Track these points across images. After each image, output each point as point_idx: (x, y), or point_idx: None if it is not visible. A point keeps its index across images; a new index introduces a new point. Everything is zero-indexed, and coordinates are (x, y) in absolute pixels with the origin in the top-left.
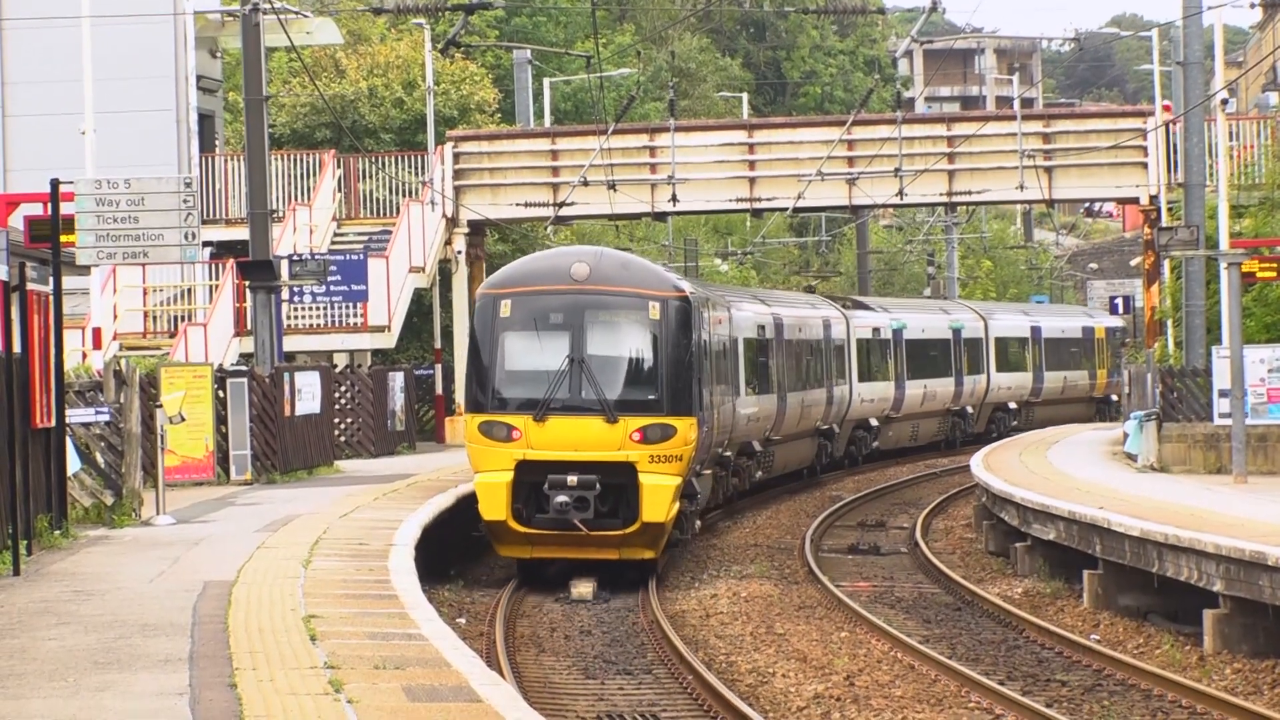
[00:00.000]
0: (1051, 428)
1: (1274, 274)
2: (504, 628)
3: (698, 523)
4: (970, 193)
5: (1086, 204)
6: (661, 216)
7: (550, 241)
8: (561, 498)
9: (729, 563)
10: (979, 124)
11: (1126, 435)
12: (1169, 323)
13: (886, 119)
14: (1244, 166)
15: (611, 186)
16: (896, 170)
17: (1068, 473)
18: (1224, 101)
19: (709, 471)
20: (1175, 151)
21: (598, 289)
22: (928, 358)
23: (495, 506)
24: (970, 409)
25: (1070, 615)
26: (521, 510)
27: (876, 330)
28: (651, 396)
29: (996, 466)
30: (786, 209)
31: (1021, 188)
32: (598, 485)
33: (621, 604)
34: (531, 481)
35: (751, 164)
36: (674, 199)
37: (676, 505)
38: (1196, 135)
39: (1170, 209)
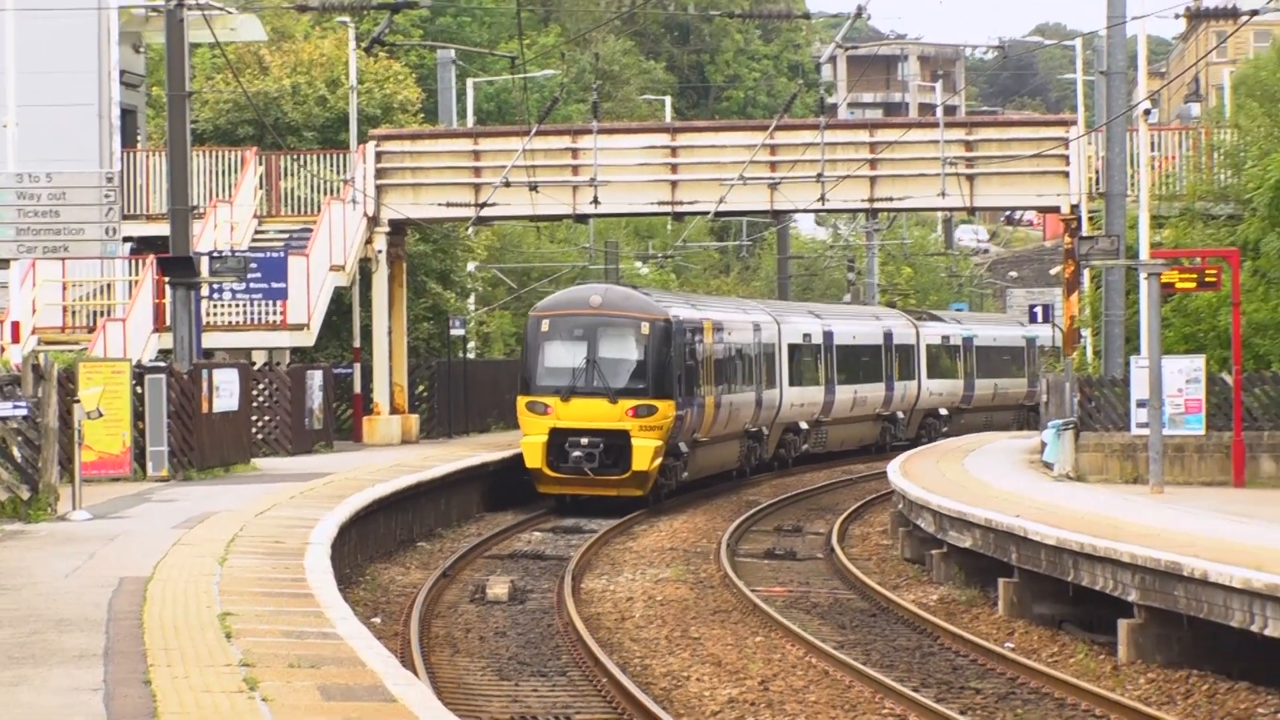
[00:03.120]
0: (970, 435)
1: (1193, 285)
2: (419, 628)
3: (684, 474)
4: (892, 199)
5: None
6: (583, 218)
7: (471, 241)
8: (577, 453)
9: (645, 566)
10: (902, 130)
11: (1044, 444)
12: (1088, 332)
13: (809, 124)
14: (1165, 177)
15: (534, 188)
16: (819, 176)
17: (985, 480)
18: (1146, 112)
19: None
20: (1098, 161)
21: (607, 313)
22: (859, 363)
23: (535, 458)
24: (901, 414)
25: (985, 623)
26: (553, 461)
27: (807, 336)
28: (641, 385)
29: (914, 474)
30: (708, 213)
31: (943, 194)
32: (601, 445)
33: (537, 605)
34: (559, 442)
35: (674, 167)
36: (596, 201)
37: (659, 460)
38: (1119, 145)
39: (1091, 218)
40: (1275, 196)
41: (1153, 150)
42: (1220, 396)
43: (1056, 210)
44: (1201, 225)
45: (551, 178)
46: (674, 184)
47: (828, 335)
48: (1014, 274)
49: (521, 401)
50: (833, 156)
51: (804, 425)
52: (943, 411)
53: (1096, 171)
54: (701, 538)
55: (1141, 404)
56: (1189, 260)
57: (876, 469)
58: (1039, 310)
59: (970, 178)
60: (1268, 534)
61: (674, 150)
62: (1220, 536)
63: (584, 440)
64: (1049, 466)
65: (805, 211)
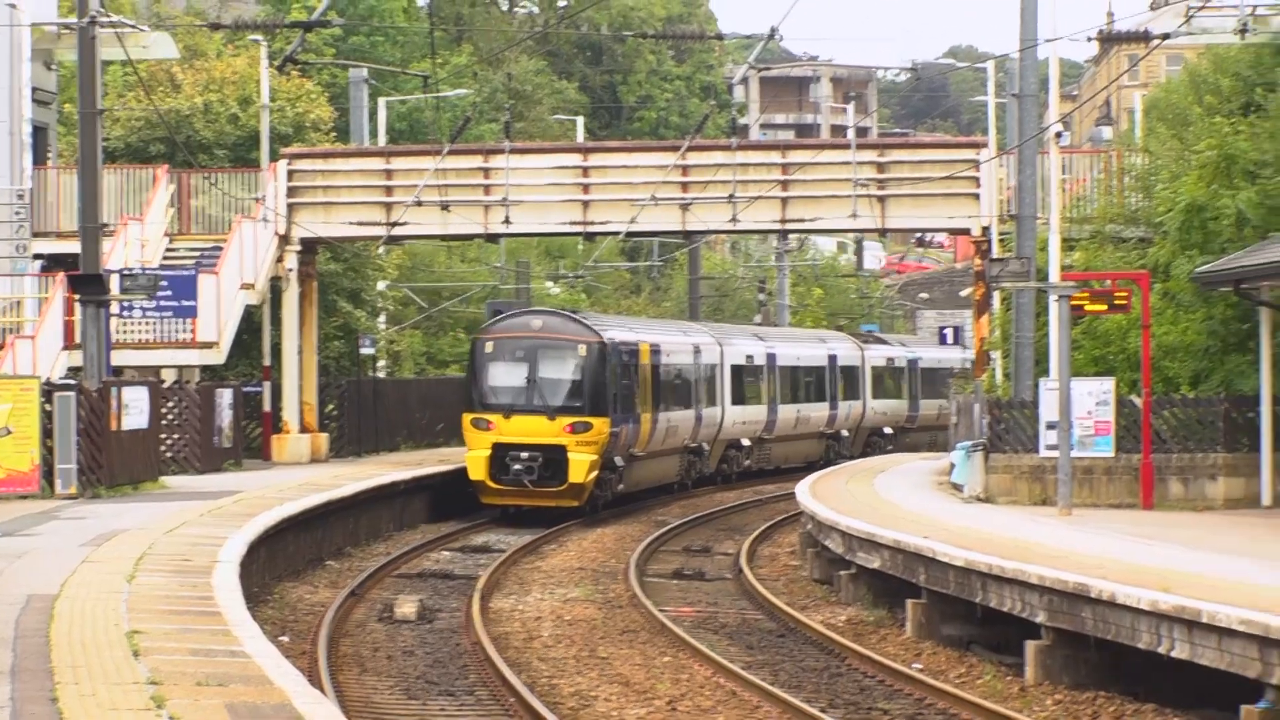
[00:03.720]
0: (878, 456)
1: (1103, 307)
2: (327, 647)
3: (620, 486)
4: (804, 220)
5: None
6: (494, 238)
7: (382, 260)
8: (517, 466)
9: (553, 586)
10: (814, 152)
11: (953, 465)
12: (998, 354)
13: (721, 145)
14: (1076, 200)
15: (445, 207)
16: (730, 196)
17: (894, 501)
18: (1058, 135)
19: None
20: (1009, 183)
21: (547, 336)
22: (803, 384)
23: (479, 471)
24: (846, 432)
25: (893, 644)
26: (495, 474)
27: (750, 357)
28: (578, 403)
29: (823, 494)
30: (619, 233)
31: (855, 215)
32: (540, 459)
33: (445, 624)
34: (501, 456)
35: (586, 187)
36: (507, 220)
37: (595, 473)
38: (1030, 168)
39: (1002, 240)
40: (1185, 220)
41: (1064, 173)
42: (1129, 419)
43: (967, 232)
44: (1112, 248)
45: (463, 197)
46: (585, 204)
47: (771, 357)
48: (924, 295)
49: (467, 418)
50: (744, 177)
51: (746, 442)
52: (887, 430)
53: (1008, 194)
54: (610, 558)
55: (1051, 426)
56: (1099, 283)
57: (786, 489)
58: (949, 332)
59: (882, 199)
60: (1175, 556)
61: (586, 170)
62: (1128, 558)
63: (524, 454)
64: (958, 488)
65: (717, 233)
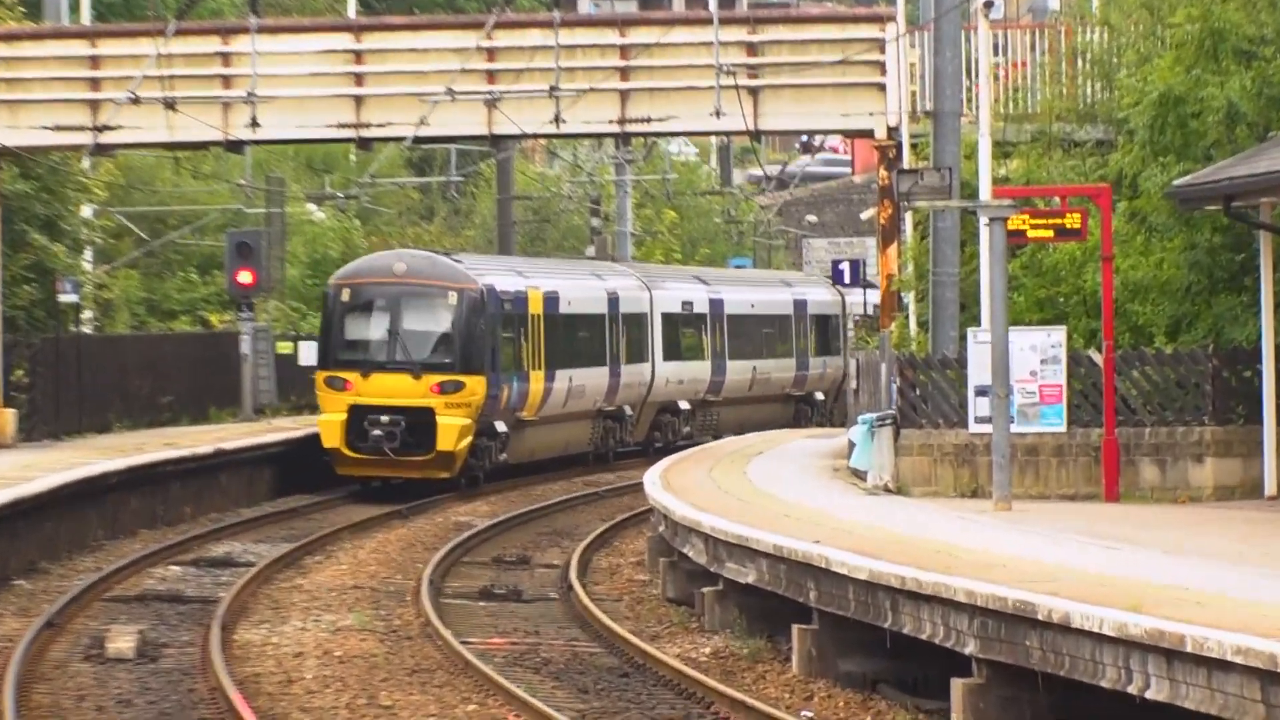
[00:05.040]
0: (754, 434)
1: (1050, 234)
2: (15, 696)
3: (501, 456)
4: (650, 120)
5: (804, 137)
6: (238, 146)
7: (87, 177)
8: (377, 431)
9: (320, 610)
10: (663, 29)
11: (852, 445)
12: (910, 296)
13: (540, 21)
14: (1013, 91)
15: (171, 105)
16: (552, 89)
17: (773, 494)
18: (988, 4)
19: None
20: (923, 70)
21: (411, 281)
22: (760, 337)
23: (333, 437)
24: (821, 394)
25: (775, 684)
26: (352, 441)
27: (688, 304)
28: (448, 360)
29: (679, 486)
30: (404, 139)
31: (718, 114)
32: (404, 423)
33: (174, 664)
34: (359, 420)
35: (359, 78)
36: (254, 123)
37: (468, 440)
38: (950, 49)
39: (915, 145)
40: (1158, 116)
41: (996, 55)
42: (1087, 381)
43: (869, 134)
44: (1061, 154)
45: (196, 92)
46: (359, 100)
47: (715, 304)
48: (812, 219)
49: (319, 377)
50: (571, 63)
51: (685, 405)
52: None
53: (921, 83)
54: (396, 571)
55: (982, 392)
56: (1045, 201)
57: (633, 479)
58: (844, 268)
59: (754, 92)
60: (1149, 564)
61: (359, 56)
62: (1087, 567)
63: (385, 418)
64: (860, 475)
65: (535, 137)
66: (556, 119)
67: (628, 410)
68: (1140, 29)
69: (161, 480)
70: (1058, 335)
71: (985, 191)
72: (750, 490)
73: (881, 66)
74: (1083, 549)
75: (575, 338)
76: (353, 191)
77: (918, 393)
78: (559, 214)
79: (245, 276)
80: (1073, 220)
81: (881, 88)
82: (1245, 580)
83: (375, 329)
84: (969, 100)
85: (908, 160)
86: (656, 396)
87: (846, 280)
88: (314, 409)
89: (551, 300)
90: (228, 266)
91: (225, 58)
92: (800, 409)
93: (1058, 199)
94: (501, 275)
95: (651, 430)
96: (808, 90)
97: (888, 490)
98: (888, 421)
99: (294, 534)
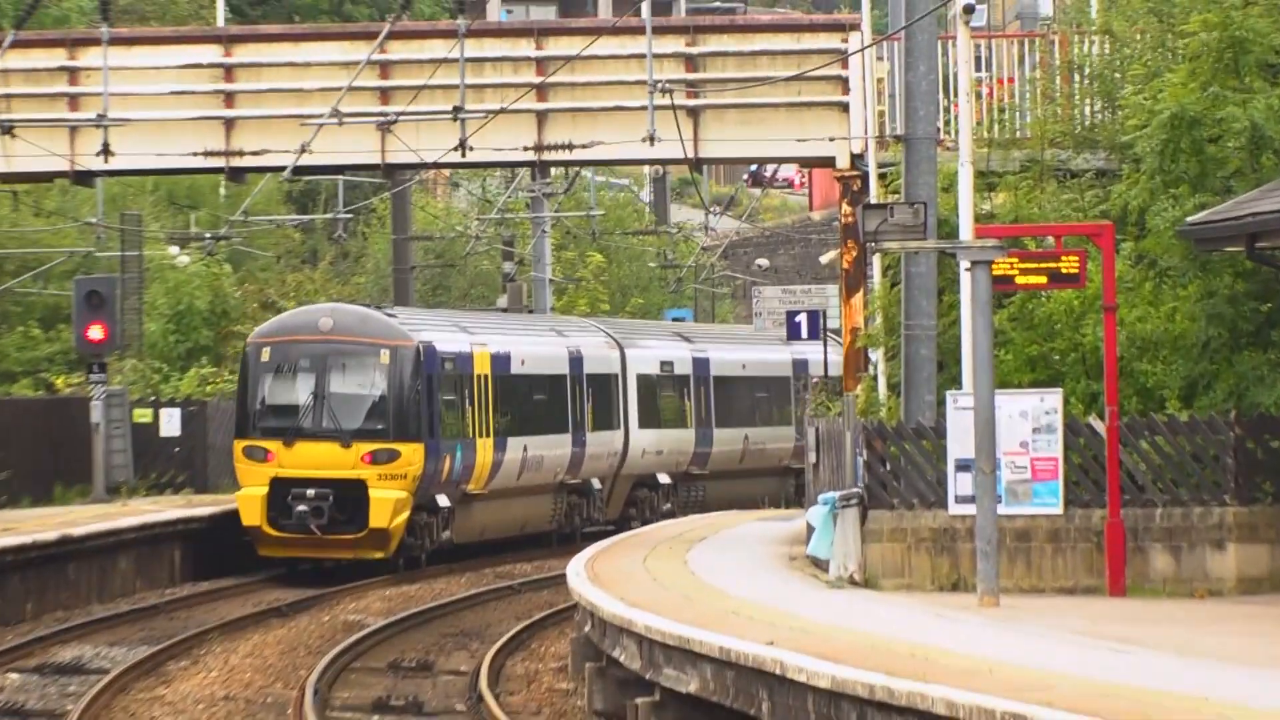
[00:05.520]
0: (696, 515)
1: (1044, 280)
2: None
3: (444, 534)
4: (572, 146)
5: (753, 167)
6: (87, 178)
7: None
8: (302, 507)
9: None
10: (586, 40)
11: (811, 529)
12: (878, 354)
13: (442, 30)
14: (999, 112)
15: (7, 130)
16: (457, 110)
17: (719, 587)
18: (969, 9)
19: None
20: (893, 86)
21: (339, 339)
22: (753, 401)
23: (252, 515)
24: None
25: None
26: (274, 518)
27: (668, 365)
28: (380, 426)
29: (608, 577)
30: (283, 169)
31: (652, 140)
32: (331, 497)
33: None
34: (282, 494)
35: (229, 98)
36: (107, 151)
37: (404, 515)
38: (925, 62)
39: (884, 176)
40: (1170, 141)
41: (979, 70)
42: (1088, 454)
43: (830, 164)
44: (1056, 186)
45: (37, 114)
46: (229, 124)
47: (700, 364)
48: (763, 262)
49: (238, 447)
50: (479, 80)
51: (665, 479)
52: None
53: (890, 103)
54: (274, 679)
55: (964, 466)
56: (1036, 241)
57: (555, 570)
58: (801, 320)
59: (694, 114)
60: (1161, 670)
61: (229, 71)
62: (1087, 674)
63: (311, 492)
64: (820, 565)
65: (437, 167)
66: (462, 146)
67: (596, 484)
68: (1148, 39)
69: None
70: (1052, 400)
71: (966, 230)
72: (692, 583)
73: (844, 83)
74: (1083, 652)
75: (530, 401)
76: (223, 231)
77: (888, 467)
78: (465, 257)
79: (96, 331)
80: (1069, 264)
81: (844, 108)
82: (1274, 689)
83: (299, 392)
84: (947, 123)
85: (875, 194)
86: (631, 469)
87: (804, 335)
88: (176, 488)
89: (501, 360)
90: (76, 320)
91: (72, 74)
92: (801, 483)
93: (1051, 239)
94: (442, 331)
95: (627, 507)
96: (757, 111)
97: (853, 583)
98: (853, 501)
99: (155, 635)
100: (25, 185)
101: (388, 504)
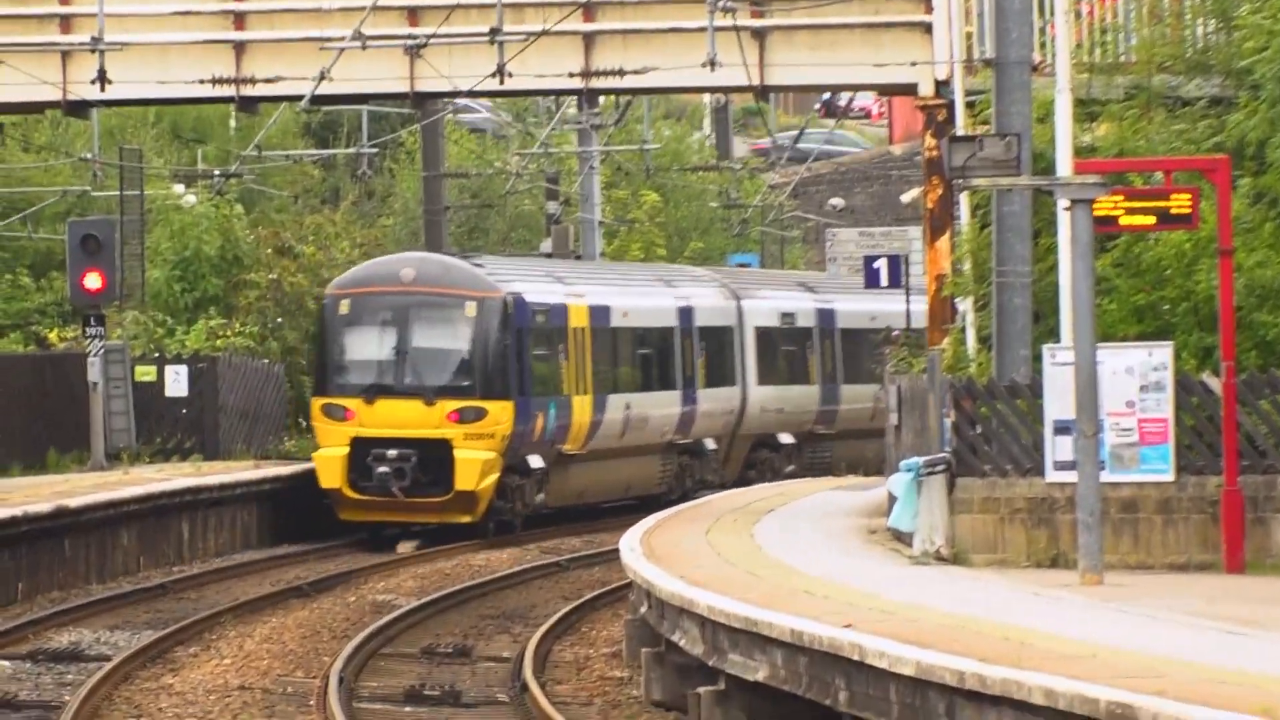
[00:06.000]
0: (764, 485)
1: (1152, 220)
2: None
3: (539, 497)
4: (623, 72)
5: (825, 96)
6: (81, 108)
7: None
8: (383, 468)
9: None
10: None
11: (893, 499)
12: (967, 304)
13: None
14: (1100, 34)
15: None
16: (494, 32)
17: (790, 564)
18: None
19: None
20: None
21: (422, 290)
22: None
23: (332, 476)
24: None
25: None
26: (355, 479)
27: (789, 317)
28: (466, 382)
29: (666, 553)
30: (300, 99)
31: (713, 65)
32: (415, 458)
33: None
34: (363, 455)
35: (239, 19)
36: (103, 78)
37: (493, 477)
38: None
39: (972, 105)
40: None
41: None
42: (1201, 415)
43: (911, 91)
44: (1165, 116)
45: (25, 38)
46: (240, 48)
47: (825, 315)
48: (837, 202)
49: (316, 404)
50: None
51: (787, 439)
52: None
53: (979, 22)
54: (295, 667)
55: (1063, 429)
56: (1143, 177)
57: (609, 546)
58: (880, 266)
59: (760, 35)
60: None
61: None
62: (1201, 659)
63: (392, 452)
64: (903, 538)
65: (472, 95)
66: (500, 72)
67: (709, 444)
68: None
69: None
70: (1162, 354)
71: (1065, 165)
72: (759, 559)
73: (927, 0)
74: (1197, 635)
75: (634, 356)
76: (233, 169)
77: (978, 430)
78: (505, 196)
79: (93, 280)
80: (1180, 203)
81: (927, 28)
82: None
83: (380, 348)
84: (1042, 45)
85: (962, 125)
86: (749, 428)
87: (884, 282)
88: (184, 454)
89: (600, 312)
90: (70, 267)
91: None
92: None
93: (1160, 175)
94: (533, 281)
95: (745, 469)
96: (830, 32)
97: (940, 558)
98: (939, 468)
99: (161, 618)
100: (13, 117)
101: (474, 465)
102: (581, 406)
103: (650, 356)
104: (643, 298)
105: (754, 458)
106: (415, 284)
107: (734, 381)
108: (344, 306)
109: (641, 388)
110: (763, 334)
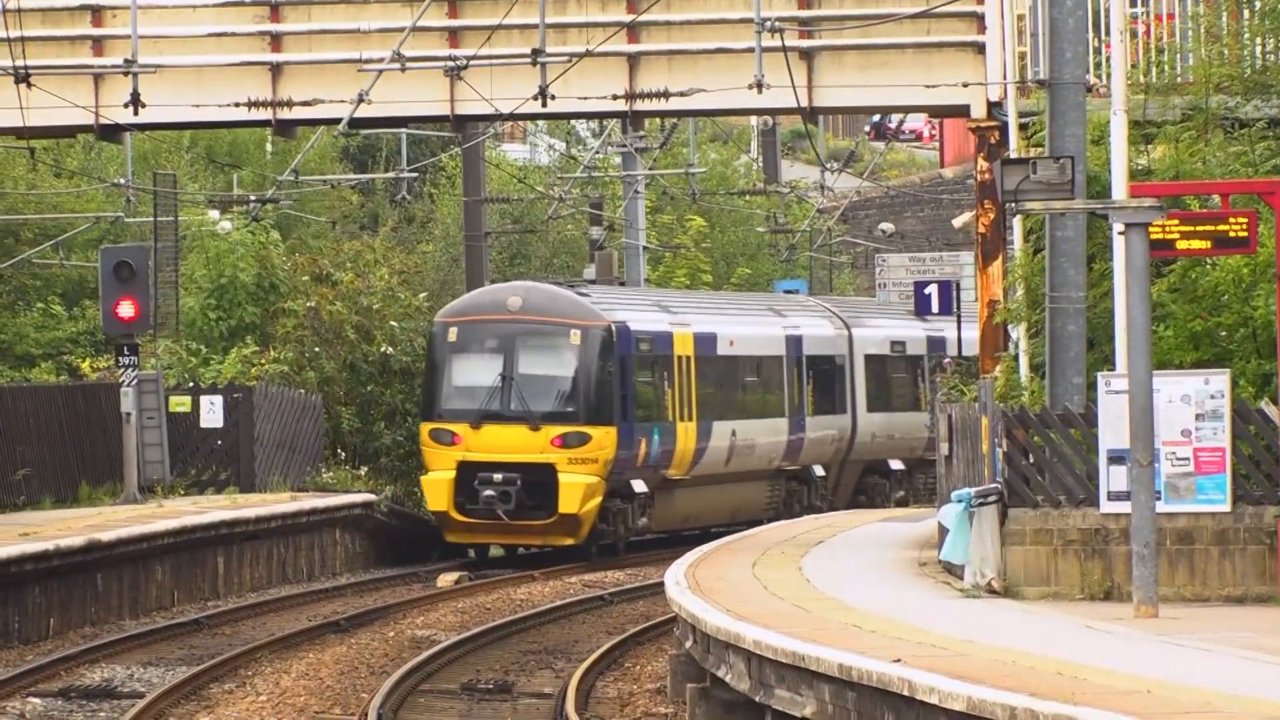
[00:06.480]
0: (811, 517)
1: (1208, 244)
2: None
3: (641, 520)
4: (668, 94)
5: (875, 118)
6: (114, 132)
7: None
8: (489, 491)
9: None
10: None
11: (944, 531)
12: (1020, 330)
13: None
14: (1157, 54)
15: (23, 78)
16: (536, 53)
17: (838, 597)
18: None
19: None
20: (1034, 26)
21: (528, 318)
22: None
23: (439, 499)
24: None
25: None
26: (461, 502)
27: (899, 346)
28: (571, 409)
29: (712, 586)
30: (338, 122)
31: (760, 87)
32: (519, 482)
33: None
34: (469, 478)
35: (276, 40)
36: (136, 102)
37: (596, 501)
38: None
39: (1025, 128)
40: None
41: (1134, 5)
42: (1260, 443)
43: (963, 113)
44: (1223, 137)
45: (57, 60)
46: (276, 70)
47: (935, 344)
48: (887, 227)
49: (424, 429)
50: (562, 18)
51: (898, 465)
52: None
53: (1033, 43)
54: (331, 704)
55: (1118, 458)
56: (1200, 200)
57: (654, 579)
58: (931, 292)
59: (808, 56)
60: None
61: (276, 9)
62: (1258, 693)
63: (498, 476)
64: (954, 571)
65: (513, 119)
66: (542, 94)
67: (818, 470)
68: None
69: (15, 584)
70: (1219, 382)
71: (1120, 188)
72: (807, 592)
73: (980, 20)
74: (1255, 669)
75: (741, 384)
76: (269, 194)
77: (1031, 460)
78: (548, 222)
79: (126, 308)
80: (1238, 226)
81: (980, 49)
82: None
83: (487, 374)
84: (1097, 66)
85: (1015, 147)
86: (859, 454)
87: (935, 309)
88: (219, 486)
89: (705, 340)
90: (103, 295)
91: (96, 13)
92: None
93: (1217, 198)
94: (638, 310)
95: (856, 494)
96: (880, 53)
97: (991, 591)
98: (991, 499)
99: (195, 654)
100: (44, 141)
101: (578, 489)
102: (686, 433)
103: (758, 384)
104: (750, 326)
105: (864, 483)
106: (521, 312)
107: (843, 409)
108: (452, 334)
109: (748, 415)
110: (873, 361)
